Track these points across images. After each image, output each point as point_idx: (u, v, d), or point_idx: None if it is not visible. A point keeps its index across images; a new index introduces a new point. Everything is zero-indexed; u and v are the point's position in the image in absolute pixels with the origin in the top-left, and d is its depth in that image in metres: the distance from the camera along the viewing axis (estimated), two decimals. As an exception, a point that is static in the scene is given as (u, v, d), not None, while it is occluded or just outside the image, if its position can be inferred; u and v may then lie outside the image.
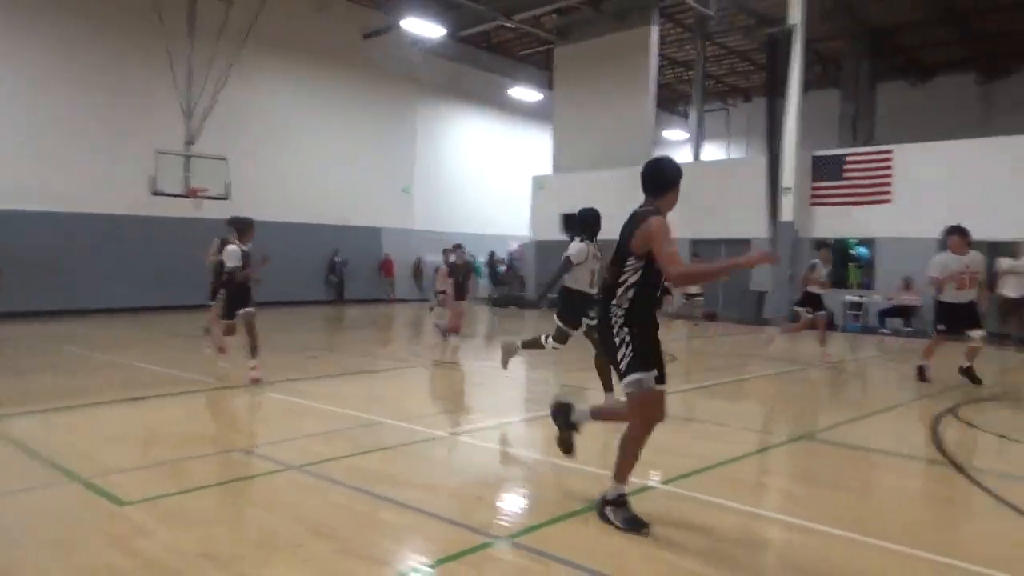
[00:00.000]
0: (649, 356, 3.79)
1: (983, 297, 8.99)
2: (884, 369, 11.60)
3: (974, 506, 4.69)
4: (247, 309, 7.90)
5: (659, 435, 6.42)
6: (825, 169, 18.27)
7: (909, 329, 16.34)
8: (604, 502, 3.91)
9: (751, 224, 18.42)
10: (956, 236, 8.71)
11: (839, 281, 18.47)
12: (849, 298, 17.63)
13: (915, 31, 23.20)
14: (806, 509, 4.35)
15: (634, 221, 3.81)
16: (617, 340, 3.82)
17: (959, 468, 5.29)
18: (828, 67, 25.79)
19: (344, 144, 22.95)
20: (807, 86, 18.58)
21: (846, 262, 18.78)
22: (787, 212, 17.92)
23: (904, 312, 16.64)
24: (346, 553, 3.45)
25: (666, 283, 3.85)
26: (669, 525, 3.89)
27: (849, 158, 18.09)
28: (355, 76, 23.20)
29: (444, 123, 26.63)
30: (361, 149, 23.47)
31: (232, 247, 7.81)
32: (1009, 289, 13.85)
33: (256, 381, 7.75)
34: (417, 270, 24.96)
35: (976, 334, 8.73)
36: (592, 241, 6.74)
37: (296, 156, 21.61)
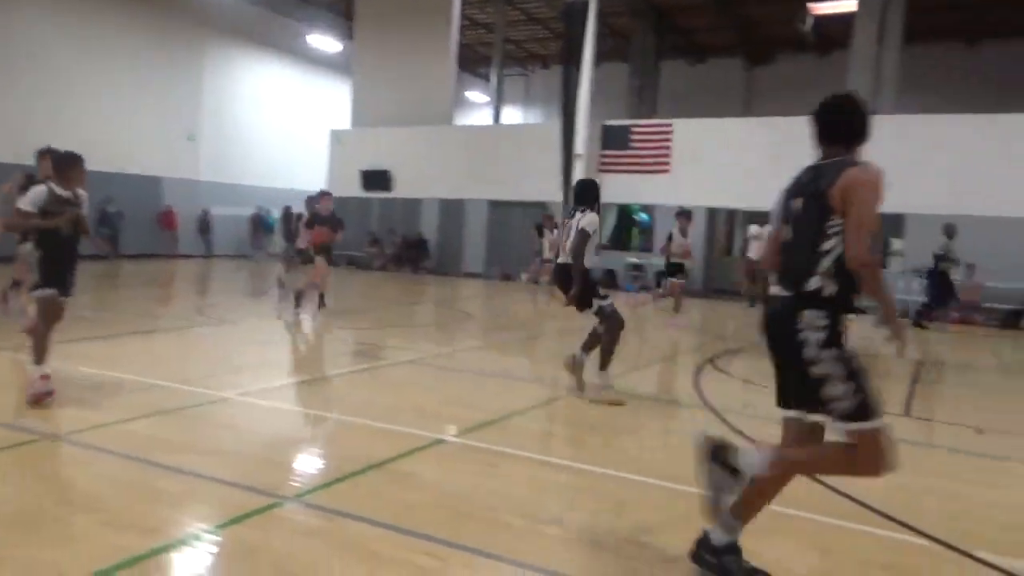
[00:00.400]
0: (870, 387, 2.67)
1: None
2: (657, 325, 12.67)
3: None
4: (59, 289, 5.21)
5: (451, 390, 6.62)
6: (613, 138, 19.38)
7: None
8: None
9: (545, 188, 19.15)
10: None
11: (622, 244, 19.94)
12: (630, 260, 19.03)
13: (691, 14, 25.04)
14: (589, 454, 4.70)
15: (823, 173, 2.73)
16: (820, 369, 2.66)
17: (714, 411, 5.97)
18: (619, 42, 27.20)
19: (118, 83, 20.56)
20: (599, 58, 19.46)
21: (628, 227, 20.31)
22: (578, 177, 18.79)
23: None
24: (114, 525, 3.21)
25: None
26: (463, 474, 4.03)
27: (635, 129, 19.32)
28: (132, 8, 20.84)
29: (235, 67, 24.77)
30: (138, 90, 21.16)
31: (40, 187, 5.21)
32: (753, 252, 15.63)
33: (40, 400, 5.06)
34: (204, 223, 23.31)
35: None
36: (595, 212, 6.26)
37: (60, 93, 19.03)
